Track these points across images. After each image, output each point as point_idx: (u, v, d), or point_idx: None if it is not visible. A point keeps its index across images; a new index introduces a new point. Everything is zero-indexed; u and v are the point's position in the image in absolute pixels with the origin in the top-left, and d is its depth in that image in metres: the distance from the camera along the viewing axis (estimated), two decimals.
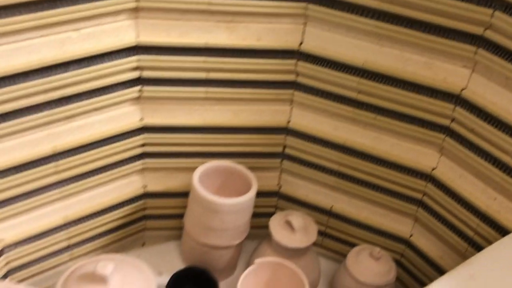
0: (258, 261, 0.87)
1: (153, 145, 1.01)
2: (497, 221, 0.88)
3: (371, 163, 1.00)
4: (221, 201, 0.93)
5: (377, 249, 0.98)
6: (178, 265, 1.11)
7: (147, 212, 1.11)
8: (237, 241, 1.01)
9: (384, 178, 1.01)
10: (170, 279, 0.98)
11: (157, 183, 1.08)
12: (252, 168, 1.05)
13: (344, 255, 1.15)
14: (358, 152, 1.00)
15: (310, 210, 1.12)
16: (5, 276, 0.95)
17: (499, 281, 0.72)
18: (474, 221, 0.92)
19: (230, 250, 1.03)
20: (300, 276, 0.85)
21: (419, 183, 0.99)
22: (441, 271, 1.02)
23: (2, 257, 0.93)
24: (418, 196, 1.01)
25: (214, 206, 0.93)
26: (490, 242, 0.90)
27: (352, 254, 1.01)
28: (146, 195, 1.08)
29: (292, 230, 0.97)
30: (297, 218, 0.97)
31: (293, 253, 0.97)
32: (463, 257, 0.97)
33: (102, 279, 0.87)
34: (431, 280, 1.05)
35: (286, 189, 1.12)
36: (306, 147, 1.04)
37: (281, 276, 0.89)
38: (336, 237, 1.14)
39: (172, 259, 1.13)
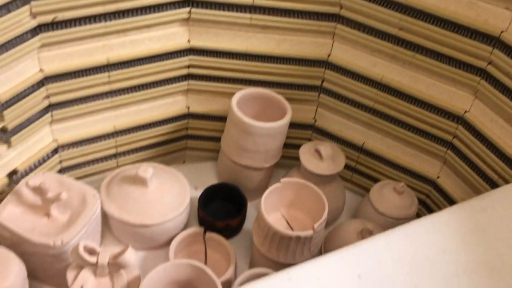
0: (283, 180, 0.93)
1: (197, 67, 1.07)
2: None
3: (406, 101, 1.02)
4: (255, 124, 0.98)
5: (401, 183, 1.02)
6: (214, 183, 1.19)
7: (189, 132, 1.19)
8: (268, 164, 1.07)
9: (417, 118, 1.03)
10: (204, 191, 1.06)
11: (199, 105, 1.15)
12: (290, 100, 1.10)
13: (366, 189, 1.19)
14: (394, 90, 1.03)
15: (342, 145, 1.16)
16: (58, 173, 1.06)
17: (509, 217, 0.75)
18: (499, 165, 0.93)
19: (261, 172, 1.09)
20: (322, 198, 0.90)
21: (451, 125, 1.01)
22: None
23: (56, 155, 1.03)
24: (449, 138, 1.03)
25: (248, 128, 0.99)
26: None
27: (377, 187, 1.05)
28: (189, 115, 1.15)
29: (321, 158, 1.02)
30: (326, 147, 1.02)
31: (319, 180, 1.02)
32: None
33: (142, 181, 0.96)
34: None
35: (321, 123, 1.17)
36: (344, 82, 1.07)
37: (304, 197, 0.94)
38: (365, 173, 1.18)
39: (208, 177, 1.21)
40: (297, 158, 1.22)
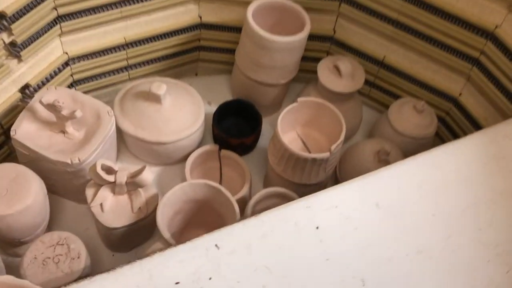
0: (300, 99, 0.90)
1: None
2: None
3: (433, 14, 0.96)
4: (272, 38, 0.94)
5: (422, 102, 0.99)
6: (227, 97, 1.16)
7: (202, 43, 1.14)
8: (284, 80, 1.04)
9: (443, 32, 0.98)
10: (218, 108, 1.04)
11: (212, 14, 1.09)
12: (308, 9, 1.04)
13: (384, 105, 1.16)
14: (421, 1, 0.96)
15: (362, 59, 1.12)
16: (70, 86, 1.04)
17: None
18: None
19: (277, 88, 1.06)
20: (340, 119, 0.88)
21: (479, 41, 0.95)
22: None
23: (67, 68, 1.00)
24: (476, 54, 0.98)
25: (265, 43, 0.95)
26: None
27: (396, 104, 1.02)
28: (201, 26, 1.10)
29: (339, 75, 0.98)
30: (346, 63, 0.98)
31: (337, 98, 0.99)
32: None
33: (156, 98, 0.94)
34: None
35: (341, 34, 1.11)
36: None
37: (321, 117, 0.92)
38: (384, 88, 1.14)
39: (221, 91, 1.18)
40: (313, 72, 1.18)
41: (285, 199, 0.89)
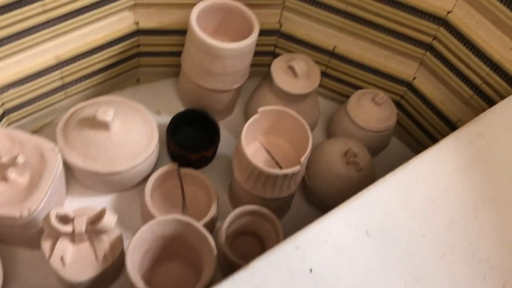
0: (261, 110, 0.85)
1: None
2: (508, 72, 0.85)
3: (384, 3, 0.93)
4: (222, 46, 0.88)
5: (381, 94, 0.97)
6: (175, 103, 1.10)
7: (141, 49, 1.06)
8: (237, 85, 0.98)
9: (395, 21, 0.95)
10: (171, 122, 0.97)
11: (150, 20, 1.01)
12: (252, 5, 0.98)
13: (343, 95, 1.14)
14: None
15: (311, 50, 1.08)
16: (1, 116, 0.93)
17: (506, 139, 0.72)
18: (484, 70, 0.89)
19: (230, 93, 1.00)
20: (304, 126, 0.84)
21: (432, 27, 0.93)
22: (441, 116, 1.03)
23: None
24: (428, 40, 0.96)
25: (215, 51, 0.88)
26: (497, 92, 0.89)
27: (354, 98, 1.00)
28: (139, 32, 1.02)
29: (295, 75, 0.94)
30: (300, 63, 0.93)
31: (294, 98, 0.95)
32: (467, 104, 0.97)
33: (104, 125, 0.86)
34: (430, 123, 1.06)
35: (287, 27, 1.06)
36: None
37: (283, 124, 0.88)
38: (337, 77, 1.11)
39: (168, 97, 1.11)
40: (262, 65, 1.14)
41: (257, 216, 0.86)
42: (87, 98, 1.03)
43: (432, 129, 1.07)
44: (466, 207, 0.64)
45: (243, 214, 0.84)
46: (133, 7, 0.97)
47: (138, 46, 1.05)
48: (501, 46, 0.85)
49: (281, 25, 1.06)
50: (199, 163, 0.98)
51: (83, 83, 1.02)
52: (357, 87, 1.11)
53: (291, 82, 0.93)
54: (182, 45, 1.04)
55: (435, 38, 0.95)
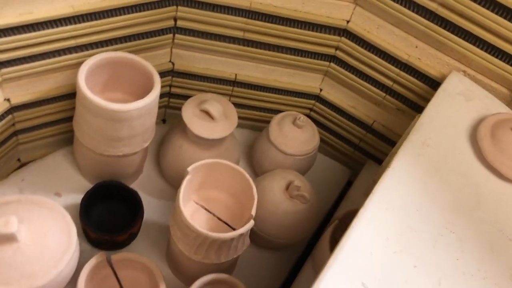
0: (191, 168, 0.76)
1: (9, 50, 0.77)
2: (418, 69, 0.86)
3: (281, 24, 0.89)
4: (129, 107, 0.76)
5: (300, 116, 0.93)
6: (75, 178, 0.95)
7: (18, 126, 0.90)
8: (147, 143, 0.87)
9: (295, 39, 0.92)
10: (82, 205, 0.84)
11: (22, 93, 0.86)
12: (139, 51, 0.88)
13: (254, 120, 1.09)
14: (265, 15, 0.87)
15: (211, 83, 1.01)
16: None
17: (448, 141, 0.72)
18: (394, 71, 0.89)
19: (139, 154, 0.89)
20: (240, 172, 0.77)
21: (333, 38, 0.91)
22: (355, 120, 1.02)
23: None
24: (331, 51, 0.94)
25: (121, 115, 0.77)
26: (410, 89, 0.90)
27: (274, 126, 0.94)
28: (12, 109, 0.86)
29: (211, 118, 0.86)
30: (214, 104, 0.85)
31: (216, 142, 0.88)
32: (379, 104, 0.97)
33: (9, 238, 0.70)
34: (346, 130, 1.05)
35: (181, 64, 0.97)
36: (202, 16, 0.88)
37: (215, 175, 0.80)
38: (244, 104, 1.06)
39: (65, 172, 0.96)
40: (162, 107, 1.05)
41: (220, 284, 0.77)
42: None
43: (349, 135, 1.06)
44: (440, 223, 0.63)
45: (204, 286, 0.75)
46: (0, 84, 0.82)
47: (13, 124, 0.89)
48: (406, 45, 0.86)
49: (173, 64, 0.97)
50: (128, 241, 0.86)
51: None
52: (266, 110, 1.06)
53: (209, 126, 0.85)
54: (69, 109, 0.90)
55: (337, 48, 0.93)
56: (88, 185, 0.92)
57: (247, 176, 0.77)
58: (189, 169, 0.76)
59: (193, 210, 0.81)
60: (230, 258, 0.76)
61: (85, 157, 0.90)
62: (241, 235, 0.72)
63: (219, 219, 0.80)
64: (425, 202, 0.64)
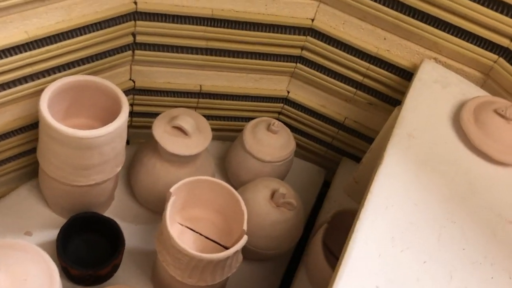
0: (173, 189, 0.72)
1: None
2: (388, 60, 0.86)
3: (245, 30, 0.86)
4: (99, 133, 0.71)
5: (273, 121, 0.91)
6: (44, 213, 0.89)
7: None
8: (119, 168, 0.82)
9: (259, 43, 0.89)
10: (58, 242, 0.78)
11: None
12: (98, 72, 0.84)
13: (224, 130, 1.05)
14: (228, 21, 0.84)
15: (174, 96, 0.97)
16: None
17: (432, 131, 0.71)
18: (363, 65, 0.88)
19: (111, 180, 0.84)
20: (225, 186, 0.74)
21: (298, 39, 0.90)
22: (326, 119, 1.01)
23: None
24: (297, 52, 0.92)
25: (90, 142, 0.72)
26: (381, 82, 0.90)
27: (248, 134, 0.91)
28: None
29: (185, 134, 0.82)
30: (186, 119, 0.81)
31: (191, 158, 0.84)
32: (350, 101, 0.96)
33: None
34: (317, 130, 1.03)
35: (142, 81, 0.93)
36: (159, 29, 0.84)
37: (197, 193, 0.76)
38: (211, 115, 1.02)
39: (32, 208, 0.89)
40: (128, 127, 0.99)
41: None
42: None
43: (321, 134, 1.05)
44: (440, 215, 0.62)
45: None
46: None
47: None
48: (374, 38, 0.85)
49: (134, 82, 0.93)
50: (111, 273, 0.80)
51: None
52: (235, 118, 1.04)
53: (184, 142, 0.81)
54: (31, 141, 0.84)
55: (303, 48, 0.91)
56: (58, 219, 0.87)
57: (233, 190, 0.73)
58: (172, 189, 0.72)
59: (179, 232, 0.77)
60: (225, 277, 0.72)
61: (52, 189, 0.84)
62: (236, 252, 0.69)
63: (207, 238, 0.77)
64: (421, 196, 0.63)
